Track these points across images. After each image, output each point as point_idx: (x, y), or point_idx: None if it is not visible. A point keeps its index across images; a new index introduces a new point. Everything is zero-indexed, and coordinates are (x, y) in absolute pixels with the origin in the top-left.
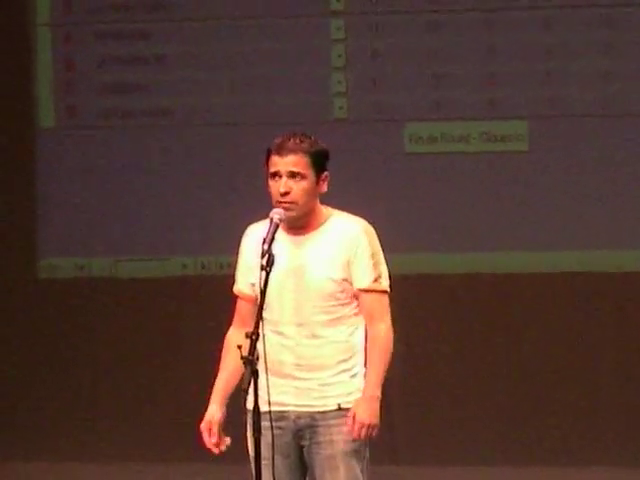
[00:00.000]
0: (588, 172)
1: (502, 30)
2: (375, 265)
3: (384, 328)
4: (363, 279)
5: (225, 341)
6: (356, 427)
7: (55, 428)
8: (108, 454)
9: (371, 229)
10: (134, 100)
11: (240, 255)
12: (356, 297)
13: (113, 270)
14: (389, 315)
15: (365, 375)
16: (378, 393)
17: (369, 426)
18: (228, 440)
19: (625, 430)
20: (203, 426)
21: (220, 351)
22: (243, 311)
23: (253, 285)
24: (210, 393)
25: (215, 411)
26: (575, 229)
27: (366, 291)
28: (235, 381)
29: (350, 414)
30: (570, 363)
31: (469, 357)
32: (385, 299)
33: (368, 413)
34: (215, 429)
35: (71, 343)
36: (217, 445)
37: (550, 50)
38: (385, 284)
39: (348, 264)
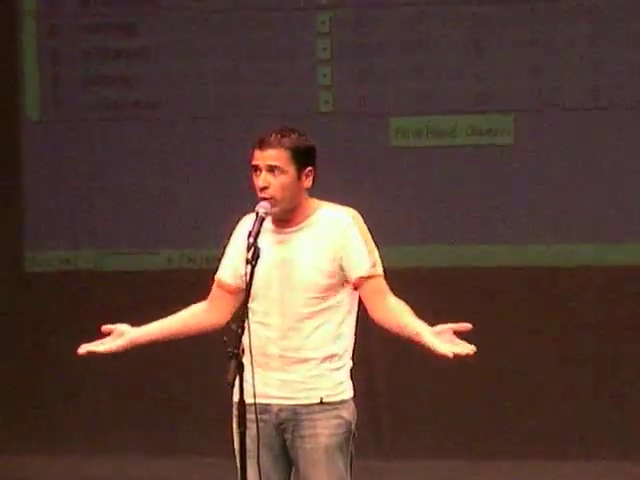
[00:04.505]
0: (574, 165)
1: (488, 23)
2: (370, 252)
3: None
4: (361, 267)
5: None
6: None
7: (40, 421)
8: (95, 447)
9: (359, 216)
10: (120, 92)
11: (230, 244)
12: (356, 287)
13: (99, 263)
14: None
15: (413, 322)
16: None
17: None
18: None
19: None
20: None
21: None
22: (215, 297)
23: (242, 276)
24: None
25: (127, 327)
26: (561, 222)
27: (367, 278)
28: (169, 331)
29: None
30: (552, 356)
31: None
32: (385, 283)
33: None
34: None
35: (57, 336)
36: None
37: (536, 43)
38: (380, 270)
39: (341, 257)
